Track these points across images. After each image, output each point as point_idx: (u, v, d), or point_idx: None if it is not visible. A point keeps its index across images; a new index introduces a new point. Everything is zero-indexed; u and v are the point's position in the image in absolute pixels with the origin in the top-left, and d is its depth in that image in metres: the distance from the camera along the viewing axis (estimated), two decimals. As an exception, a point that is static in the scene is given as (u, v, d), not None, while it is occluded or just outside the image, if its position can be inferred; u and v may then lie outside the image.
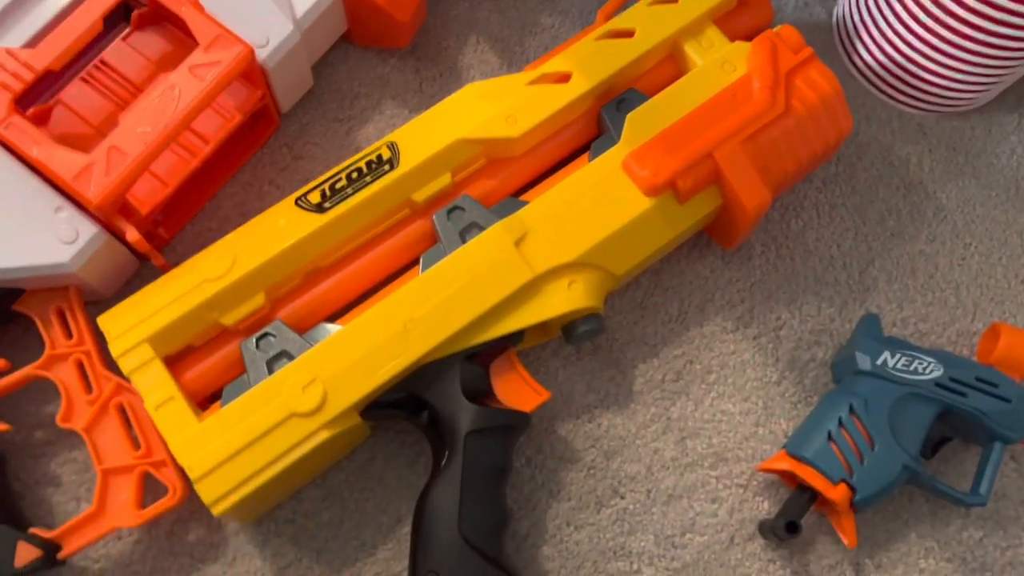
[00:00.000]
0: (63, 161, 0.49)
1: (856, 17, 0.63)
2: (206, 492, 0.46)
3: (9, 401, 0.54)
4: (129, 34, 0.56)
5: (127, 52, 0.55)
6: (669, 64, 0.57)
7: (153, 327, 0.49)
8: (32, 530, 0.49)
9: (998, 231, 0.62)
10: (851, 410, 0.53)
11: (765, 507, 0.55)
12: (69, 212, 0.50)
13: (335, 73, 0.62)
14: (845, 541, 0.52)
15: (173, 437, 0.47)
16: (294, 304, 0.52)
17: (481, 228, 0.52)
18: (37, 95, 0.54)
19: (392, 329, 0.49)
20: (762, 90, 0.54)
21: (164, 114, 0.50)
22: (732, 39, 0.58)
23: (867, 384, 0.53)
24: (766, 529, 0.53)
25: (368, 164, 0.52)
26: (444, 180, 0.53)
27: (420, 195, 0.53)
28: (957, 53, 0.58)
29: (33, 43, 0.52)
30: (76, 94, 0.54)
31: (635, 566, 0.54)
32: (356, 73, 0.63)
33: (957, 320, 0.60)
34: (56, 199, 0.50)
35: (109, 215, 0.50)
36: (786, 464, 0.52)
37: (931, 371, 0.53)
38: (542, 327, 0.53)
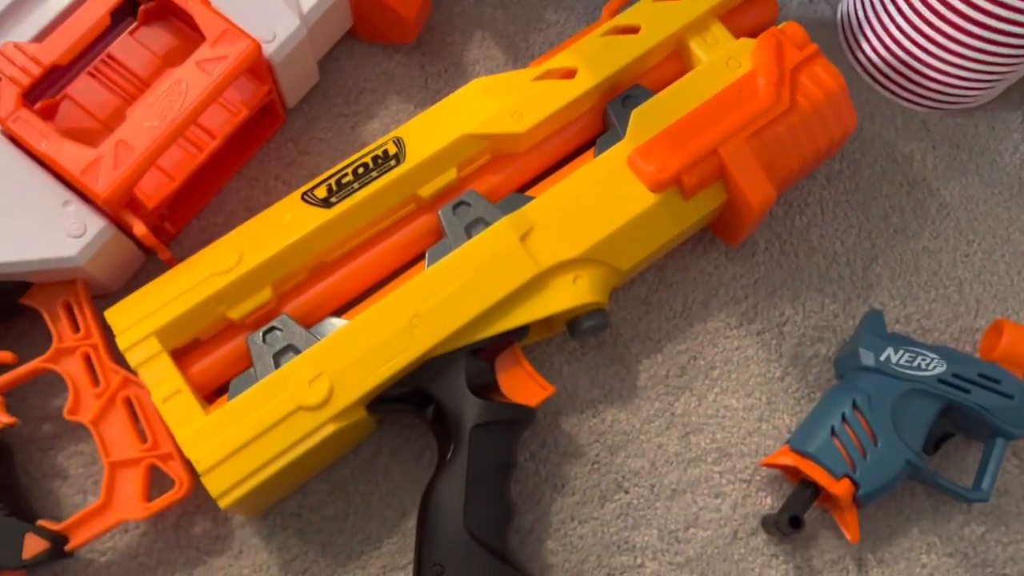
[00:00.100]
0: (71, 155, 0.49)
1: (860, 14, 0.63)
2: (213, 485, 0.46)
3: (17, 394, 0.54)
4: (136, 29, 0.56)
5: (134, 47, 0.56)
6: (674, 60, 0.57)
7: (160, 321, 0.49)
8: (40, 522, 0.49)
9: (1001, 228, 0.62)
10: (854, 406, 0.53)
11: (768, 502, 0.55)
12: (77, 206, 0.50)
13: (341, 68, 0.63)
14: (848, 536, 0.52)
15: (180, 430, 0.47)
16: (300, 298, 0.52)
17: (487, 223, 0.52)
18: (45, 89, 0.54)
19: (398, 324, 0.49)
20: (767, 86, 0.54)
21: (171, 109, 0.50)
22: (737, 36, 0.58)
23: (870, 380, 0.54)
24: (769, 524, 0.53)
25: (374, 159, 0.52)
26: (450, 175, 0.53)
27: (426, 190, 0.53)
28: (961, 50, 0.58)
29: (40, 38, 0.53)
30: (83, 88, 0.54)
31: (639, 560, 0.54)
32: (362, 68, 0.63)
33: (960, 317, 0.60)
34: (64, 193, 0.51)
35: (117, 209, 0.50)
36: (789, 459, 0.53)
37: (934, 367, 0.53)
38: (547, 322, 0.53)
